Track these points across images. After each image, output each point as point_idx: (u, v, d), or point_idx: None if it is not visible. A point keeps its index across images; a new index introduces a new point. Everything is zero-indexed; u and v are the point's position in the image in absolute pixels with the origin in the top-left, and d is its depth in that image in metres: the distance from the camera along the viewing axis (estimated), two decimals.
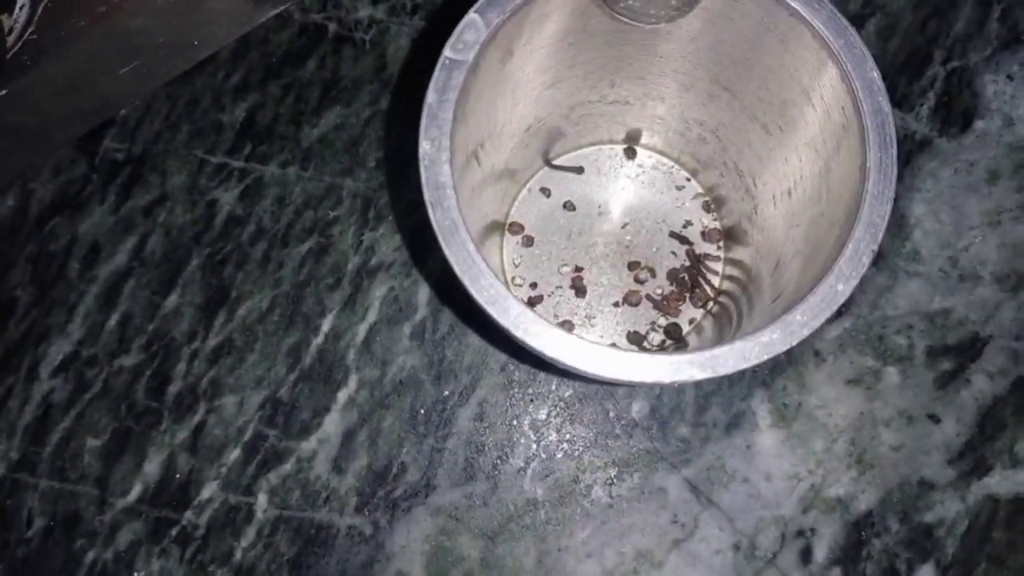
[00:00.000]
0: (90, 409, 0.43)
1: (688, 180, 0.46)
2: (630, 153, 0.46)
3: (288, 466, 0.42)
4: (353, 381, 0.43)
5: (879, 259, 0.44)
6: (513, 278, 0.44)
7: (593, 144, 0.46)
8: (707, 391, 0.43)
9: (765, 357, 0.27)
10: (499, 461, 0.42)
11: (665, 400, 0.43)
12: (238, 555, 0.41)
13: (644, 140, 0.45)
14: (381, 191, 0.46)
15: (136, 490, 0.42)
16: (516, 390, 0.43)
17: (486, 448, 0.42)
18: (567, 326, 0.43)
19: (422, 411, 0.43)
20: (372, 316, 0.44)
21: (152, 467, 0.42)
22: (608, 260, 0.44)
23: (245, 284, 0.45)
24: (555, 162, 0.45)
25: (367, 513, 0.41)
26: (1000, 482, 0.41)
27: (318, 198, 0.46)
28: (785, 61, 0.32)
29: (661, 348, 0.43)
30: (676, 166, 0.46)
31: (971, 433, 0.42)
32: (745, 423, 0.42)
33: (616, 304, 0.44)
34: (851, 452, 0.42)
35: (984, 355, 0.43)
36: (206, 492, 0.42)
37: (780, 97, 0.34)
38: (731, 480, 0.41)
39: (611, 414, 0.43)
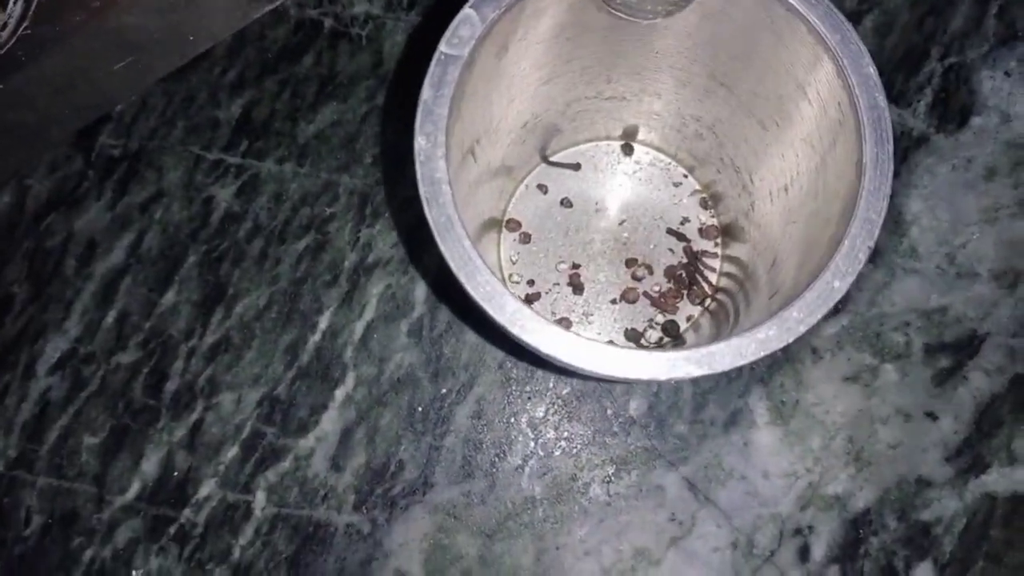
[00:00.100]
0: (88, 406, 0.43)
1: (685, 176, 0.46)
2: (627, 149, 0.46)
3: (286, 464, 0.42)
4: (351, 379, 0.43)
5: (876, 256, 0.44)
6: (510, 275, 0.44)
7: (590, 140, 0.46)
8: (705, 388, 0.43)
9: (762, 354, 0.27)
10: (497, 459, 0.42)
11: (663, 398, 0.43)
12: (236, 553, 0.41)
13: (641, 136, 0.45)
14: (378, 187, 0.46)
15: (134, 488, 0.42)
16: (514, 387, 0.43)
17: (484, 446, 0.42)
18: (564, 323, 0.43)
19: (420, 409, 0.43)
20: (369, 313, 0.44)
21: (150, 465, 0.42)
22: (605, 257, 0.44)
23: (242, 281, 0.45)
24: (552, 159, 0.45)
25: (365, 511, 0.41)
26: (998, 480, 0.41)
27: (315, 194, 0.46)
28: (781, 56, 0.32)
29: (658, 345, 0.43)
30: (673, 162, 0.46)
31: (969, 431, 0.42)
32: (743, 420, 0.42)
33: (613, 301, 0.44)
34: (849, 450, 0.42)
35: (981, 352, 0.43)
36: (204, 490, 0.42)
37: (776, 93, 0.34)
38: (729, 478, 0.41)
39: (609, 412, 0.43)
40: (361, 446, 0.42)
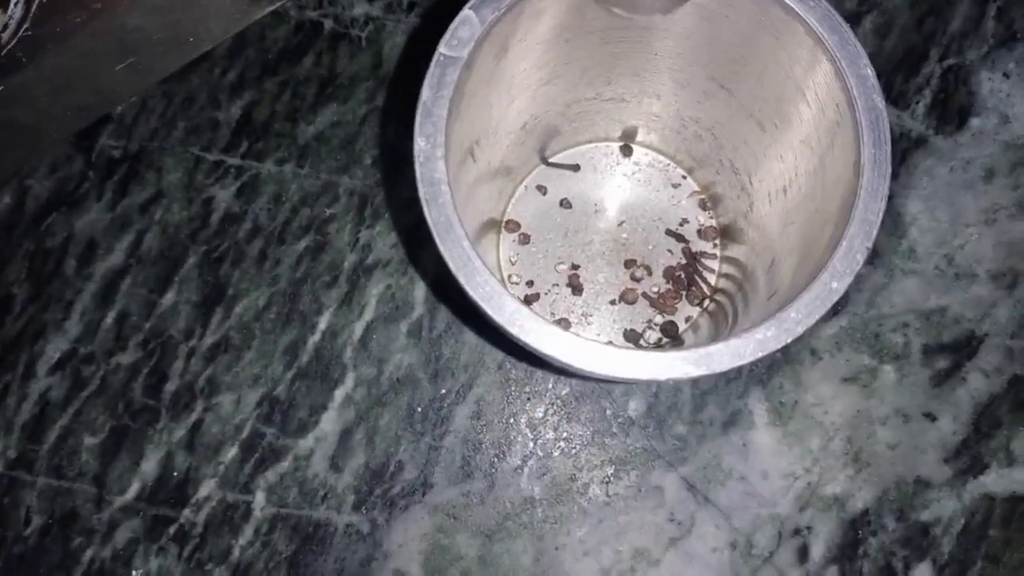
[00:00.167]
0: (87, 407, 0.43)
1: (684, 178, 0.46)
2: (626, 151, 0.46)
3: (286, 464, 0.42)
4: (350, 379, 0.43)
5: (875, 257, 0.44)
6: (509, 276, 0.44)
7: (589, 142, 0.46)
8: (704, 389, 0.43)
9: (760, 354, 0.27)
10: (496, 459, 0.42)
11: (662, 398, 0.43)
12: (236, 553, 0.41)
13: (640, 138, 0.45)
14: (377, 188, 0.46)
15: (134, 488, 0.42)
16: (513, 388, 0.43)
17: (483, 446, 0.42)
18: (563, 324, 0.43)
19: (419, 409, 0.43)
20: (369, 314, 0.44)
21: (150, 465, 0.42)
22: (604, 258, 0.44)
23: (242, 282, 0.45)
24: (551, 160, 0.45)
25: (364, 511, 0.41)
26: (996, 480, 0.41)
27: (314, 195, 0.46)
28: (780, 58, 0.32)
29: (657, 346, 0.43)
30: (672, 164, 0.46)
31: (967, 431, 0.42)
32: (742, 421, 0.42)
33: (612, 302, 0.44)
34: (847, 450, 0.42)
35: (980, 353, 0.43)
36: (204, 490, 0.42)
37: (775, 94, 0.34)
38: (728, 478, 0.41)
39: (608, 412, 0.43)
40: (360, 446, 0.42)
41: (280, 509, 0.42)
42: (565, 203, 0.45)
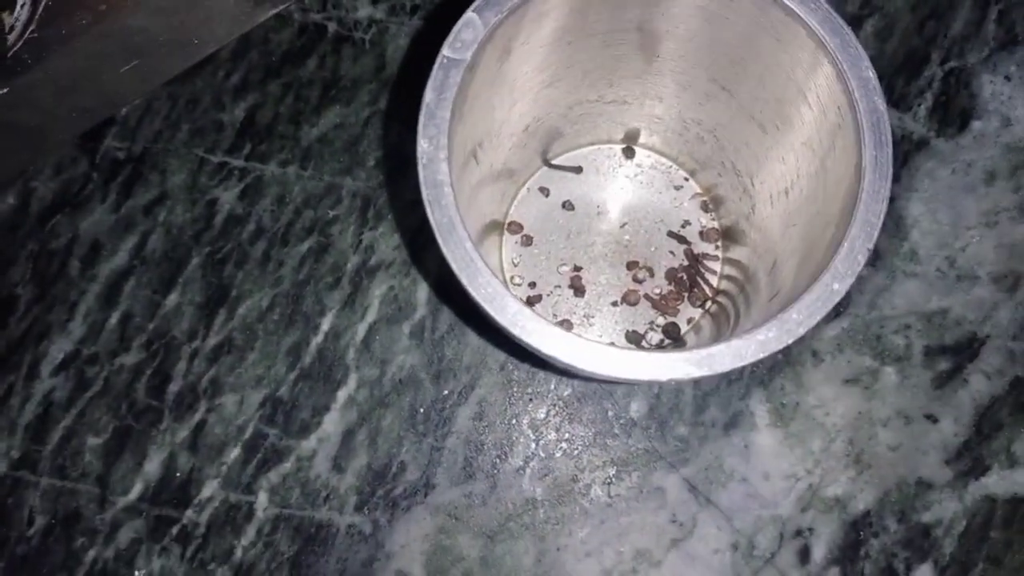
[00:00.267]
0: (91, 407, 0.43)
1: (686, 180, 0.46)
2: (628, 153, 0.46)
3: (288, 465, 0.42)
4: (353, 380, 0.43)
5: (877, 259, 0.44)
6: (512, 277, 0.44)
7: (592, 144, 0.46)
8: (705, 391, 0.43)
9: (761, 355, 0.27)
10: (498, 460, 0.42)
11: (663, 400, 0.43)
12: (238, 553, 0.41)
13: (642, 140, 0.45)
14: (380, 190, 0.46)
15: (137, 488, 0.42)
16: (515, 389, 0.43)
17: (485, 447, 0.42)
18: (566, 325, 0.44)
19: (421, 410, 0.43)
20: (371, 315, 0.44)
21: (153, 466, 0.43)
22: (607, 259, 0.45)
23: (245, 283, 0.45)
24: (554, 162, 0.46)
25: (367, 512, 0.42)
26: (998, 482, 0.41)
27: (318, 197, 0.46)
28: (781, 60, 0.32)
29: (659, 347, 0.43)
30: (674, 166, 0.46)
31: (968, 433, 0.42)
32: (743, 422, 0.42)
33: (615, 303, 0.44)
34: (849, 452, 0.42)
35: (981, 355, 0.43)
36: (207, 491, 0.42)
37: (776, 96, 0.34)
38: (729, 479, 0.42)
39: (610, 413, 0.43)
40: (363, 447, 0.42)
41: (282, 510, 0.42)
42: (567, 205, 0.45)
